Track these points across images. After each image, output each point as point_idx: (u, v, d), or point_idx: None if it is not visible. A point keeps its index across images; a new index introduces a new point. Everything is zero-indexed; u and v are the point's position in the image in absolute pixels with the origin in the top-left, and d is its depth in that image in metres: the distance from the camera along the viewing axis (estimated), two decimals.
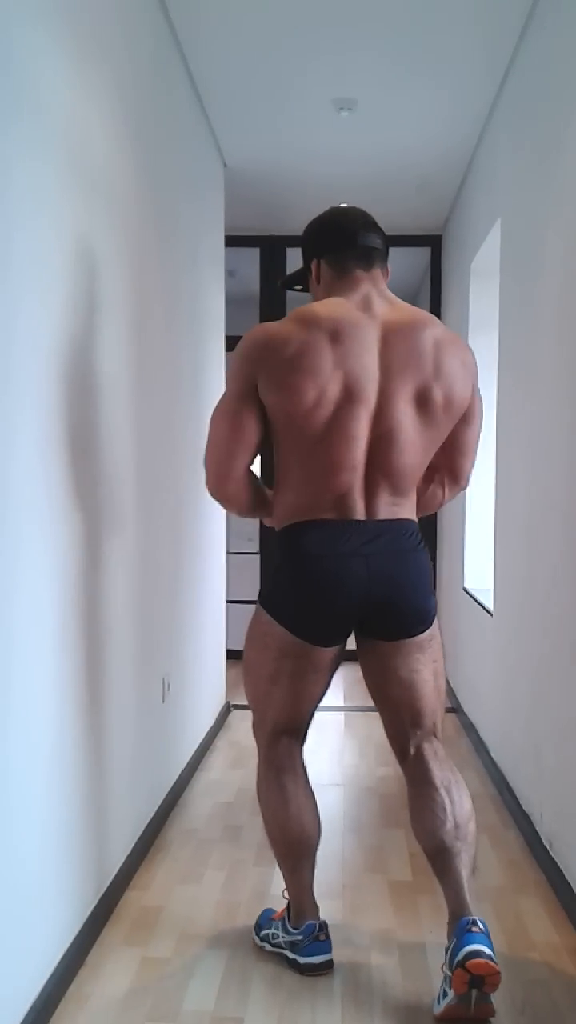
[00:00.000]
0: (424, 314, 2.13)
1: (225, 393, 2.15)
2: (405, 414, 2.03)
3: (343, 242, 2.13)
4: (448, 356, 2.06)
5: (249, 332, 2.11)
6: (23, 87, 1.85)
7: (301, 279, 2.27)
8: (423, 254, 5.89)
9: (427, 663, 2.15)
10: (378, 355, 2.02)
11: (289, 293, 5.47)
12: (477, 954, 1.89)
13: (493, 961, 1.89)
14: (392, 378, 2.02)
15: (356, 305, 2.06)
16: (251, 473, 2.15)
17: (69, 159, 2.14)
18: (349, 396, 2.01)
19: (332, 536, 2.06)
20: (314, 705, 2.25)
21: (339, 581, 2.06)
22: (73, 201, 2.18)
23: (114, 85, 2.54)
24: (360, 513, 2.07)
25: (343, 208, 2.24)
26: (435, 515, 3.06)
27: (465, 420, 2.16)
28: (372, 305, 2.07)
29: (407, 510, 2.13)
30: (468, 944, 1.90)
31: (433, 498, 2.29)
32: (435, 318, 2.15)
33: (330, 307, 2.06)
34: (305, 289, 2.25)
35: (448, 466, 2.25)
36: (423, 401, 2.04)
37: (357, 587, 2.06)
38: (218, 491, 2.14)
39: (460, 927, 1.95)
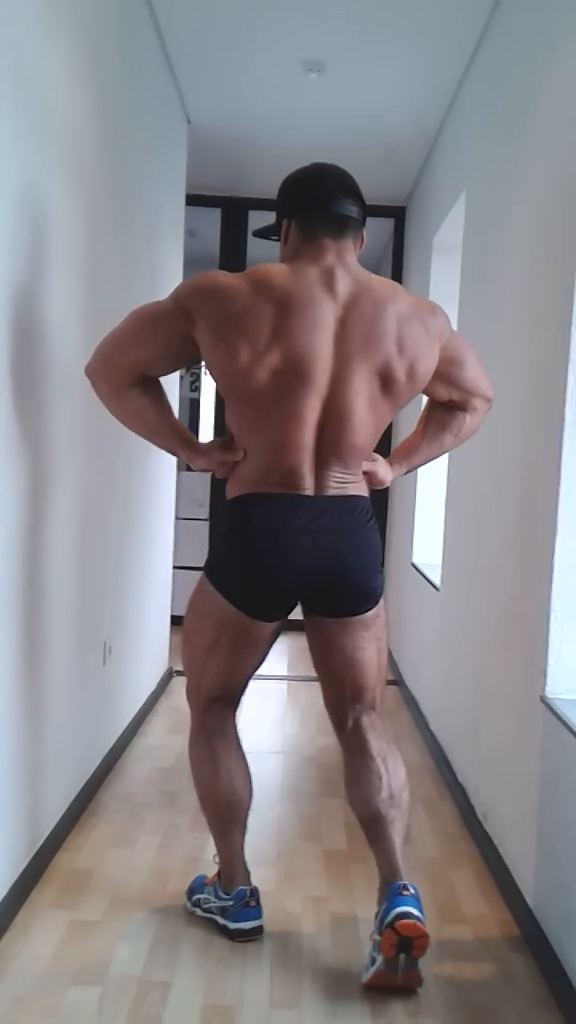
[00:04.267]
0: (388, 286, 2.05)
1: (152, 303, 2.09)
2: (359, 394, 1.98)
3: (315, 208, 2.03)
4: (410, 327, 2.00)
5: (197, 276, 2.02)
6: None
7: (276, 231, 2.16)
8: (387, 225, 5.84)
9: (371, 640, 2.13)
10: (334, 336, 1.96)
11: (250, 256, 5.39)
12: (406, 915, 1.90)
13: (422, 923, 1.90)
14: (348, 360, 1.96)
15: (318, 278, 1.98)
16: (154, 383, 2.09)
17: (22, 100, 2.06)
18: (295, 374, 1.94)
19: (281, 511, 2.02)
20: (249, 675, 2.23)
21: (285, 557, 2.03)
22: (25, 146, 2.10)
23: (76, 30, 2.45)
24: (309, 488, 2.03)
25: (322, 168, 2.09)
26: (387, 488, 3.04)
27: (446, 360, 2.10)
28: (334, 280, 1.98)
29: (358, 486, 2.10)
30: (398, 906, 1.91)
31: (470, 425, 2.23)
32: (400, 288, 2.08)
33: (287, 276, 1.97)
34: (279, 239, 2.15)
35: (464, 387, 2.17)
36: (385, 378, 2.00)
37: (303, 563, 2.03)
38: (95, 370, 2.07)
39: (391, 891, 1.95)
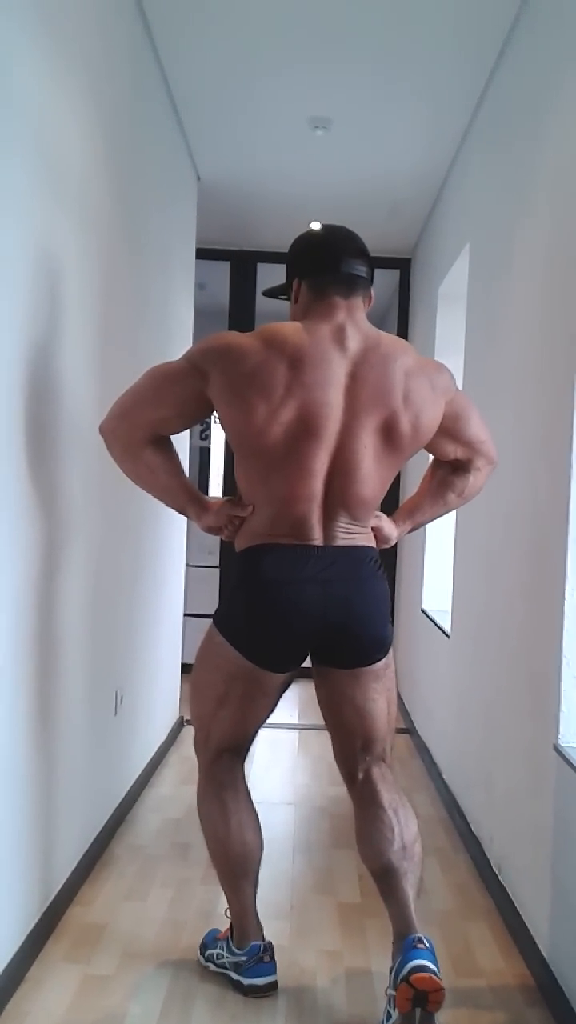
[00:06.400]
0: (397, 343, 2.10)
1: (166, 363, 2.14)
2: (366, 447, 2.02)
3: (325, 267, 2.08)
4: (416, 382, 2.04)
5: (209, 337, 2.09)
6: None
7: (285, 291, 2.22)
8: (392, 276, 5.93)
9: (382, 691, 2.13)
10: (344, 390, 2.00)
11: (259, 309, 5.48)
12: (422, 968, 1.86)
13: (437, 976, 1.87)
14: (357, 413, 2.00)
15: (329, 335, 2.02)
16: (167, 442, 2.13)
17: (39, 160, 2.12)
18: (306, 429, 1.98)
19: (290, 561, 2.03)
20: (259, 726, 2.23)
21: (296, 607, 2.03)
22: (42, 202, 2.16)
23: (90, 90, 2.53)
24: (318, 539, 2.04)
25: (332, 230, 2.18)
26: None
27: (451, 416, 2.14)
28: (345, 337, 2.03)
29: (366, 537, 2.12)
30: (413, 959, 1.88)
31: (474, 485, 2.27)
32: (408, 346, 2.13)
33: (299, 333, 2.02)
34: (289, 299, 2.20)
35: (469, 441, 2.20)
36: (389, 431, 2.03)
37: (314, 613, 2.04)
38: (111, 428, 2.10)
39: (406, 944, 1.92)
